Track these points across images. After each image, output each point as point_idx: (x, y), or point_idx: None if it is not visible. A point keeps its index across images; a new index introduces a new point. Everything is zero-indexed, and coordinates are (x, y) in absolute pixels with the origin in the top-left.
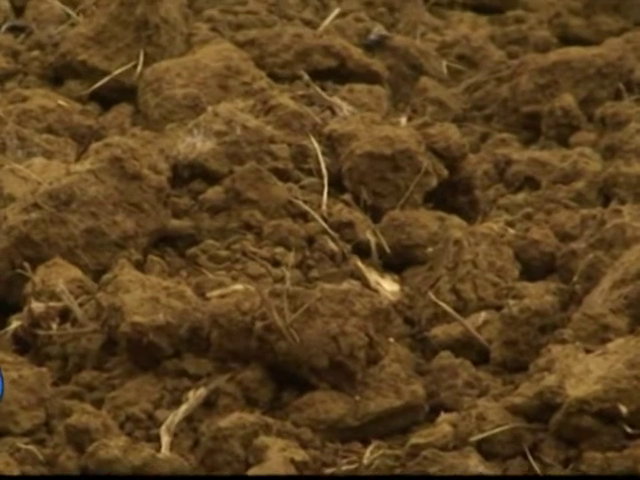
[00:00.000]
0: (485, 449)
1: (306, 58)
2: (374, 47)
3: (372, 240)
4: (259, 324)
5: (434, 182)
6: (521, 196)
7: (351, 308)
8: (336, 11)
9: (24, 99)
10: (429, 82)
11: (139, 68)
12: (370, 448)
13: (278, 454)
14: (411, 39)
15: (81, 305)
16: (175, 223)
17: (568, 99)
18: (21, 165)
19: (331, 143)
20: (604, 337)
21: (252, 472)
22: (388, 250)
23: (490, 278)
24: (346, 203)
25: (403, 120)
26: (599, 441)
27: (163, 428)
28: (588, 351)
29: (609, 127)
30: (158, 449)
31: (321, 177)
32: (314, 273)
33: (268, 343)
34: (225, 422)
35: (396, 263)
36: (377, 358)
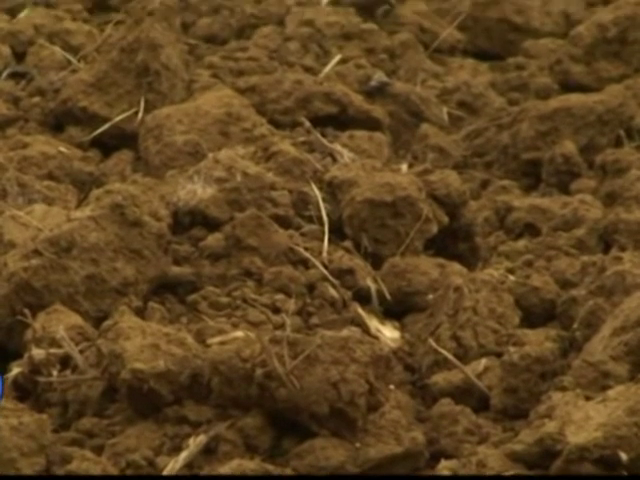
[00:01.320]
0: None
1: (307, 105)
2: (375, 94)
3: (373, 287)
4: (259, 371)
5: (435, 229)
6: (522, 243)
7: (351, 355)
8: (337, 58)
9: (25, 145)
10: (430, 129)
11: (140, 115)
12: None
13: None
14: (412, 86)
15: (82, 352)
16: (176, 270)
17: (569, 146)
18: (22, 212)
19: (332, 190)
20: (604, 384)
21: None
22: (389, 297)
23: (490, 325)
24: (347, 250)
25: (404, 167)
26: None
27: (164, 475)
28: (588, 398)
29: (610, 174)
30: None
31: (322, 224)
32: (314, 320)
33: (268, 390)
34: (225, 469)
35: (397, 310)
36: (377, 405)
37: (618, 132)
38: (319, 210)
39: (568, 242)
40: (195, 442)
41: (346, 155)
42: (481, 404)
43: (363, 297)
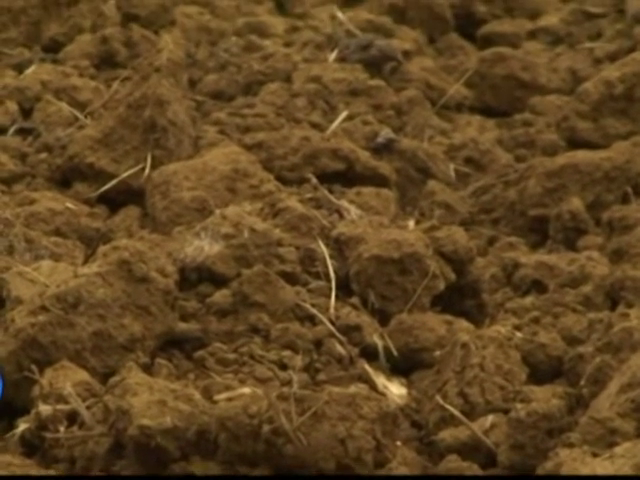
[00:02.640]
0: None
1: (314, 161)
2: (382, 150)
3: (379, 343)
4: (266, 427)
5: (442, 285)
6: (529, 299)
7: (358, 411)
8: (344, 114)
9: (32, 202)
10: (437, 185)
11: (147, 171)
12: None
13: None
14: (419, 142)
15: (89, 408)
16: (183, 326)
17: (576, 203)
18: (29, 268)
19: (339, 246)
20: (611, 441)
21: None
22: (395, 353)
23: (497, 381)
24: (354, 306)
25: (411, 223)
26: None
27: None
28: (595, 455)
29: (616, 231)
30: None
31: (329, 280)
32: (321, 376)
33: (275, 446)
34: None
35: (403, 366)
36: (384, 461)
37: (625, 189)
38: (326, 266)
39: (575, 299)
40: None
41: (353, 212)
42: (488, 461)
43: (370, 354)
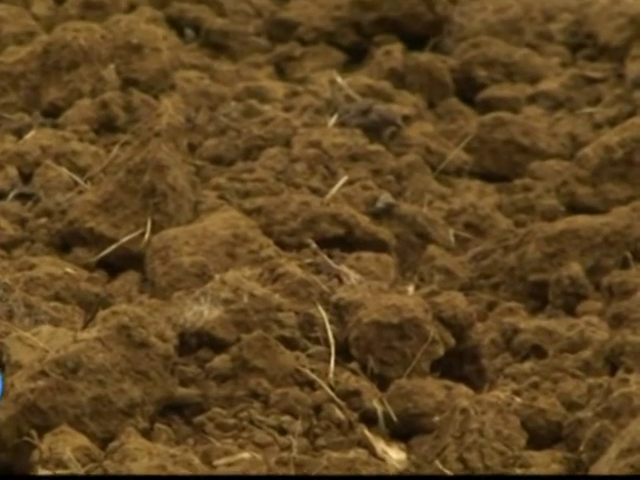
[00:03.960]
0: None
1: (313, 226)
2: (381, 215)
3: (379, 409)
4: None
5: (441, 351)
6: (528, 365)
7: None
8: (343, 179)
9: (31, 267)
10: (436, 250)
11: (147, 236)
12: None
13: None
14: (418, 207)
15: (88, 473)
16: (182, 391)
17: (575, 268)
18: (28, 333)
19: (338, 311)
20: None
21: None
22: (395, 419)
23: (497, 447)
24: (353, 371)
25: (410, 288)
26: None
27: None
28: None
29: (616, 296)
30: None
31: (328, 345)
32: (321, 441)
33: None
34: None
35: (403, 432)
36: None
37: (625, 254)
38: (326, 332)
39: (574, 364)
40: None
41: (353, 277)
42: None
43: (369, 419)
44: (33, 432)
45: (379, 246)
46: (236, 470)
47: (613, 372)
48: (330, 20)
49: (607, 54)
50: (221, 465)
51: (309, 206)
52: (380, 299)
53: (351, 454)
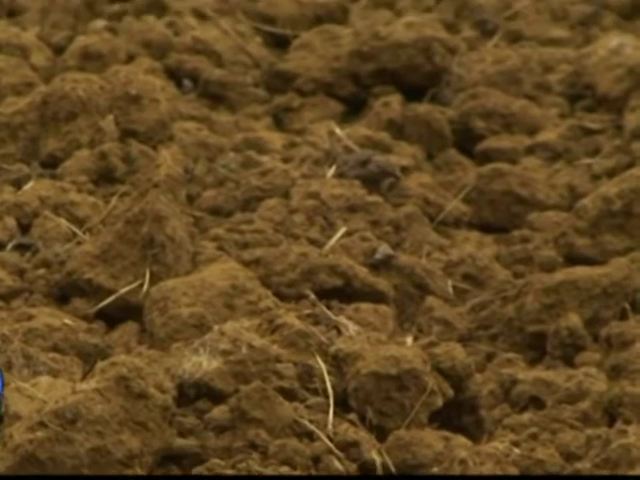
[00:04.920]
0: None
1: (312, 277)
2: (380, 266)
3: (377, 460)
4: None
5: (439, 402)
6: (526, 416)
7: None
8: (342, 230)
9: (30, 317)
10: (435, 301)
11: (145, 287)
12: None
13: None
14: (417, 258)
15: None
16: (181, 442)
17: (573, 319)
18: (27, 383)
19: (337, 363)
20: None
21: None
22: (393, 470)
23: None
24: (352, 422)
25: (409, 340)
26: None
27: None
28: None
29: (615, 347)
30: None
31: (327, 396)
32: None
33: None
34: None
35: None
36: None
37: (623, 305)
38: (324, 383)
39: (573, 415)
40: None
41: (351, 328)
42: None
43: (368, 470)
44: None
45: (377, 297)
46: None
47: (611, 423)
48: (328, 71)
49: (606, 105)
50: None
51: (308, 257)
52: (378, 350)
53: None
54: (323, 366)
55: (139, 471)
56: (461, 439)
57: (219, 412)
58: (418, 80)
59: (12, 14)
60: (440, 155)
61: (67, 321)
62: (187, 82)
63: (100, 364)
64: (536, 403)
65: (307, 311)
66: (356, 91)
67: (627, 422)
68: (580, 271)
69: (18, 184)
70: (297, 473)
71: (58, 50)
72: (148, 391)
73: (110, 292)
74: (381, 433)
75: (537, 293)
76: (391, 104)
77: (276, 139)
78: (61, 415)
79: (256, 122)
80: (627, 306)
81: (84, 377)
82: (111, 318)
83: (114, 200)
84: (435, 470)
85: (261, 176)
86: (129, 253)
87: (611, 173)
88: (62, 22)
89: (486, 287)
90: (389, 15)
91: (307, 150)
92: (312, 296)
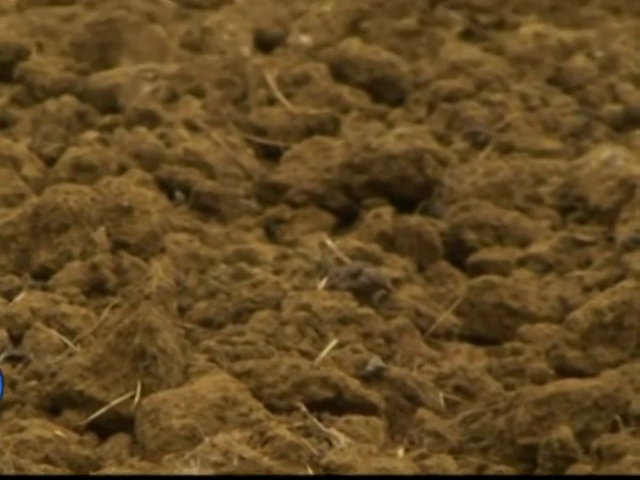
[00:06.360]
0: None
1: (303, 389)
2: (371, 378)
3: None
4: None
5: None
6: None
7: None
8: (333, 342)
9: (21, 429)
10: (426, 413)
11: (136, 399)
12: None
13: None
14: (408, 370)
15: None
16: None
17: (565, 431)
18: None
19: (328, 474)
20: None
21: None
22: None
23: None
24: None
25: (400, 452)
26: None
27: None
28: None
29: (606, 460)
30: None
31: None
32: None
33: None
34: None
35: None
36: None
37: (614, 417)
38: None
39: None
40: None
41: (342, 440)
42: None
43: None
44: None
45: (369, 409)
46: None
47: None
48: (320, 183)
49: (597, 217)
50: None
51: (299, 369)
52: (370, 462)
53: None
54: None
55: None
56: None
57: None
58: (409, 192)
59: (3, 125)
60: (431, 267)
61: (59, 433)
62: (179, 194)
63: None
64: None
65: (298, 423)
66: (347, 203)
67: None
68: (571, 383)
69: (9, 295)
70: None
71: (49, 161)
72: None
73: (101, 404)
74: None
75: (528, 405)
76: (382, 216)
77: (267, 251)
78: None
79: (247, 234)
80: (618, 419)
81: None
82: (103, 430)
83: (106, 312)
84: None
85: (252, 288)
86: (121, 365)
87: (602, 285)
88: (53, 133)
89: (477, 399)
90: (380, 126)
91: (298, 262)
92: (303, 408)
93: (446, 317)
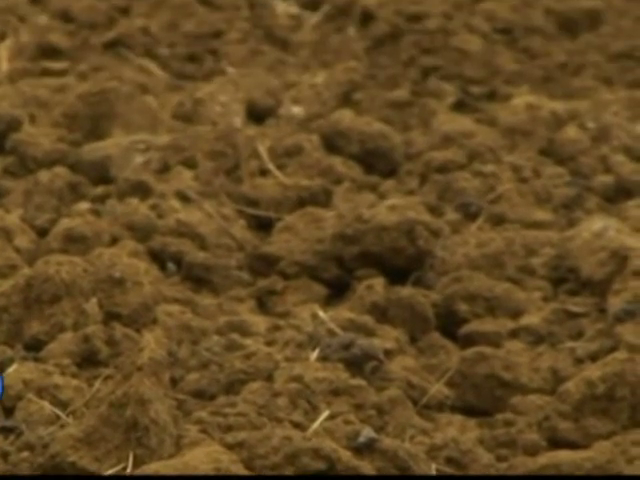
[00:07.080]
0: None
1: (295, 460)
2: (363, 450)
3: None
4: None
5: None
6: None
7: None
8: (325, 413)
9: None
10: None
11: (129, 470)
12: None
13: None
14: (400, 442)
15: None
16: None
17: None
18: None
19: None
20: None
21: None
22: None
23: None
24: None
25: None
26: None
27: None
28: None
29: None
30: None
31: None
32: None
33: None
34: None
35: None
36: None
37: None
38: None
39: None
40: None
41: None
42: None
43: None
44: None
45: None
46: None
47: None
48: (312, 254)
49: (589, 288)
50: None
51: (291, 441)
52: None
53: None
54: None
55: None
56: None
57: None
58: (401, 263)
59: None
60: (423, 338)
61: None
62: (171, 265)
63: None
64: None
65: None
66: (339, 274)
67: None
68: (563, 455)
69: (1, 367)
70: None
71: (42, 232)
72: None
73: (94, 475)
74: None
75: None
76: (374, 287)
77: (260, 322)
78: None
79: (240, 305)
80: None
81: None
82: None
83: (98, 383)
84: None
85: (245, 359)
86: (113, 436)
87: (594, 357)
88: (46, 204)
89: (469, 471)
90: (372, 198)
91: (290, 333)
92: None
93: (438, 388)
